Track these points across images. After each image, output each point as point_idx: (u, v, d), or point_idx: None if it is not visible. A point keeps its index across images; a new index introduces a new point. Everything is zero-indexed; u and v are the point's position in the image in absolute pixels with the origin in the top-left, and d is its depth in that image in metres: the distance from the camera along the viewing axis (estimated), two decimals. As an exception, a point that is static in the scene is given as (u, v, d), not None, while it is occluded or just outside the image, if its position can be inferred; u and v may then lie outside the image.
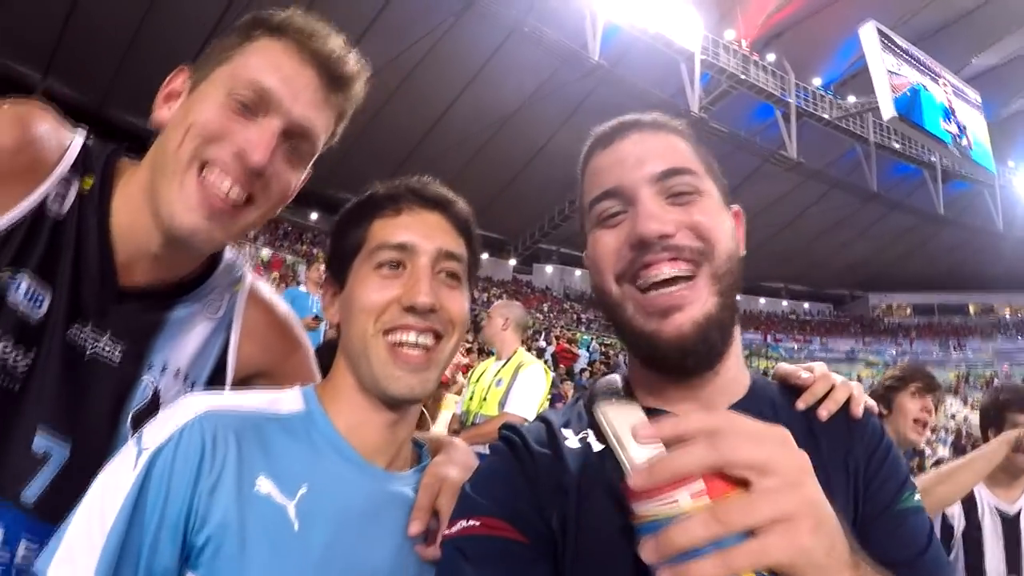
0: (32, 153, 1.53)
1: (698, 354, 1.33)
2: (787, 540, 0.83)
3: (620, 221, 1.40)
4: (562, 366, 22.68)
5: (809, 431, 1.40)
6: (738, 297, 1.42)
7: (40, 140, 1.54)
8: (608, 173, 1.43)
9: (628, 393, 1.48)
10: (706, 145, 1.51)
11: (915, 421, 4.51)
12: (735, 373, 1.44)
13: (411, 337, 1.49)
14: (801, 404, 1.44)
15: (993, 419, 4.32)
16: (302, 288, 10.84)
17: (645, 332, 1.36)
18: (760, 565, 0.83)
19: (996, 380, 50.56)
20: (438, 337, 1.53)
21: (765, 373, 1.66)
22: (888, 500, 1.33)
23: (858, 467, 1.35)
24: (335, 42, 1.67)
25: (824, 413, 1.42)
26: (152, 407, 1.64)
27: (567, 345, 27.86)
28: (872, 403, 1.49)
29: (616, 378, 1.54)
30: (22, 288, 1.49)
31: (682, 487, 0.86)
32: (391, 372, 1.49)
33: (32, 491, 1.48)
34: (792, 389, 1.50)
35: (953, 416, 42.19)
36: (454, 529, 1.32)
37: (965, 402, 46.66)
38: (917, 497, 1.36)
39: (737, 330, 1.43)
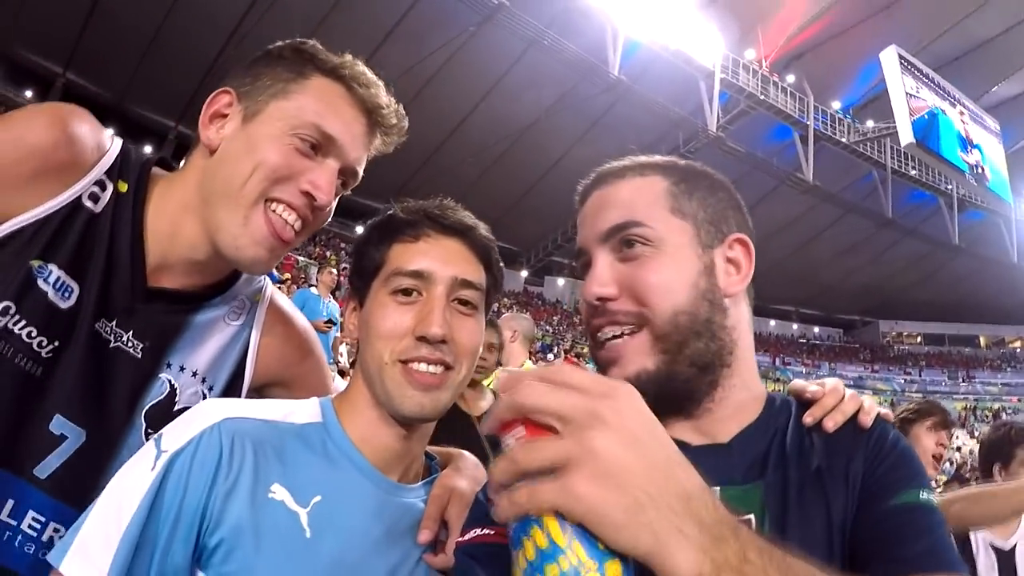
0: (69, 151, 1.60)
1: None
2: (558, 485, 0.82)
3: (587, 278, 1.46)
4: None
5: (812, 445, 1.39)
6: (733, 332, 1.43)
7: (78, 140, 1.61)
8: (579, 232, 1.51)
9: None
10: (696, 180, 1.49)
11: (931, 456, 4.53)
12: (741, 402, 1.44)
13: (422, 367, 1.52)
14: (808, 418, 1.42)
15: (1001, 454, 4.42)
16: (313, 291, 10.88)
17: None
18: (534, 506, 0.83)
19: (1004, 414, 50.44)
20: (447, 368, 1.55)
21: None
22: (884, 495, 1.30)
23: (857, 473, 1.33)
24: (384, 94, 1.80)
25: (831, 424, 1.40)
26: (168, 403, 1.74)
27: (575, 360, 27.70)
28: (887, 412, 1.49)
29: None
30: (52, 278, 1.57)
31: (510, 432, 0.90)
32: (404, 392, 1.52)
33: (45, 468, 1.57)
34: (805, 404, 1.48)
35: (959, 448, 41.83)
36: (467, 536, 1.35)
37: (972, 435, 46.31)
38: (925, 495, 1.30)
39: (731, 370, 1.43)
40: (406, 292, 1.54)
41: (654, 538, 0.81)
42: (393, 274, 1.55)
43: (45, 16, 33.62)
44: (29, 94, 35.94)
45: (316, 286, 11.43)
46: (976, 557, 4.17)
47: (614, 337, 1.40)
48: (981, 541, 4.21)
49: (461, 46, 38.14)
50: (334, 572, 1.42)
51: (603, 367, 1.42)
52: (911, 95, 40.01)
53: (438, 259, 1.56)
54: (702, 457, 1.22)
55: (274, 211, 1.67)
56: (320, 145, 1.69)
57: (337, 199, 1.79)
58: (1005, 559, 4.17)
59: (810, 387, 1.52)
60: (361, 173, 1.82)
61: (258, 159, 1.64)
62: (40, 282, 1.56)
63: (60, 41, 36.23)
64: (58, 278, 1.58)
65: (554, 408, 0.86)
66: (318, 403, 1.63)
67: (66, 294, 1.60)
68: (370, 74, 1.79)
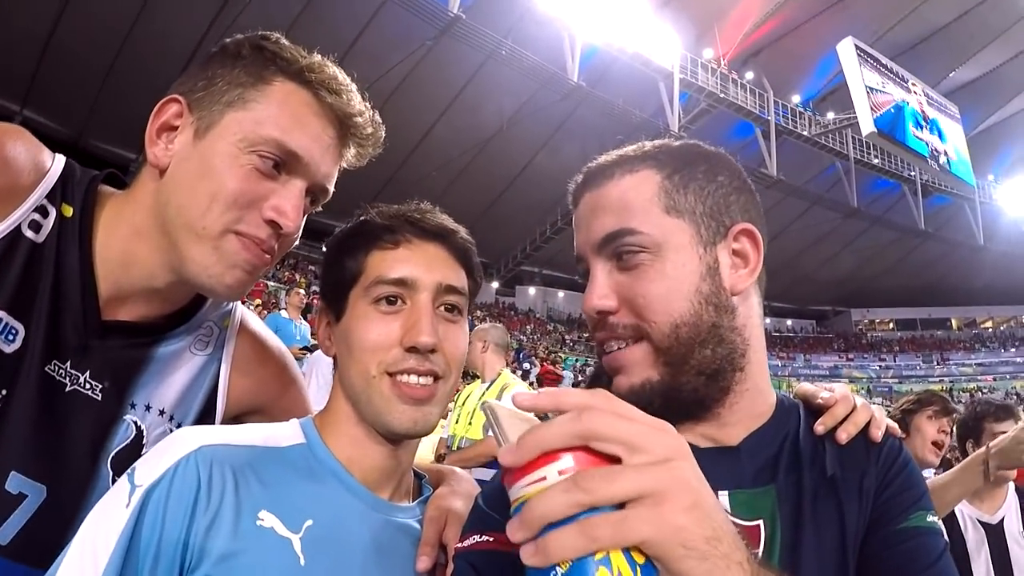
0: (3, 177, 1.42)
1: (648, 412, 1.23)
2: (654, 514, 0.77)
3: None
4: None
5: (824, 452, 1.34)
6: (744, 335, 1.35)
7: (12, 162, 1.44)
8: (575, 236, 1.42)
9: None
10: (692, 167, 1.38)
11: (932, 443, 4.69)
12: (752, 407, 1.37)
13: (412, 379, 1.43)
14: (820, 427, 1.37)
15: (971, 430, 4.56)
16: (284, 314, 10.72)
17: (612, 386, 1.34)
18: (623, 538, 0.76)
19: (980, 393, 50.91)
20: (436, 379, 1.46)
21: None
22: (894, 517, 1.27)
23: (870, 489, 1.30)
24: (358, 100, 1.59)
25: (843, 436, 1.36)
26: (135, 447, 1.57)
27: (551, 367, 27.63)
28: (894, 425, 1.45)
29: None
30: None
31: (550, 463, 0.80)
32: (395, 407, 1.43)
33: (6, 532, 1.39)
34: (813, 410, 1.43)
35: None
36: (467, 543, 1.29)
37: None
38: (932, 518, 1.29)
39: (744, 373, 1.35)
40: (390, 300, 1.45)
41: (725, 569, 0.79)
42: (374, 283, 1.45)
43: (-1, 54, 33.33)
44: (-14, 134, 35.58)
45: (285, 309, 11.23)
46: (964, 533, 4.16)
47: (618, 348, 1.33)
48: (968, 518, 4.21)
49: (419, 61, 38.23)
50: None
51: (611, 375, 1.36)
52: (872, 89, 40.44)
53: (421, 265, 1.47)
54: (709, 460, 1.21)
55: (244, 245, 1.50)
56: (283, 162, 1.49)
57: (306, 218, 1.61)
58: (993, 533, 4.17)
59: (821, 393, 1.46)
60: (332, 188, 1.63)
61: (214, 187, 1.45)
62: None
63: (15, 78, 35.96)
64: (2, 321, 1.41)
65: (631, 436, 0.82)
66: (298, 424, 1.52)
67: (10, 337, 1.42)
68: (342, 76, 1.58)
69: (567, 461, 0.80)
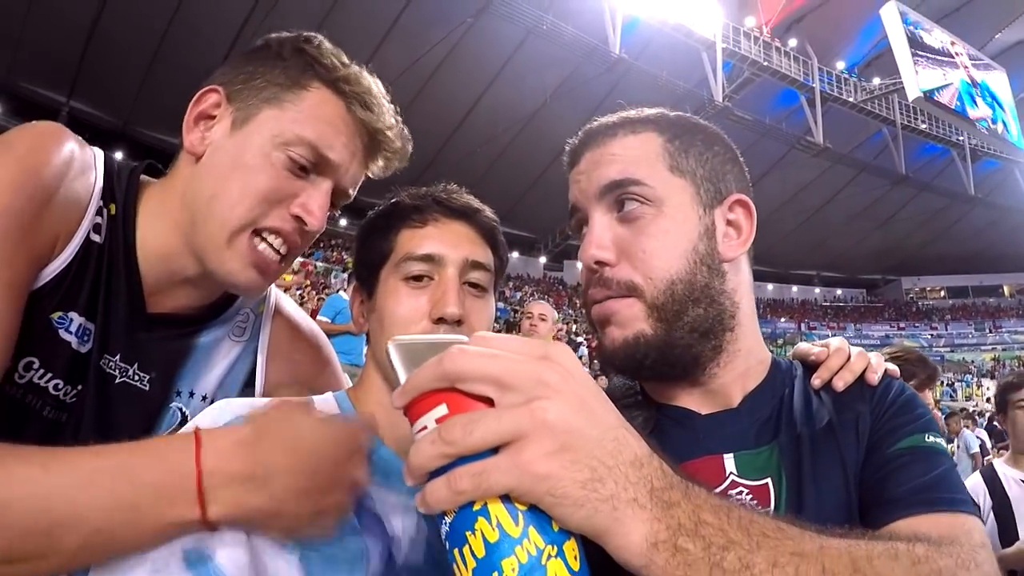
0: (86, 178, 1.49)
1: (641, 367, 1.33)
2: (512, 464, 0.74)
3: (583, 237, 1.39)
4: (596, 363, 22.52)
5: (821, 403, 1.35)
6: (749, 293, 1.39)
7: (77, 163, 1.47)
8: (572, 189, 1.43)
9: (643, 391, 1.47)
10: (692, 134, 1.41)
11: None
12: (747, 366, 1.39)
13: None
14: (817, 381, 1.39)
15: (1000, 404, 4.59)
16: (344, 295, 10.64)
17: (600, 340, 1.38)
18: (484, 491, 0.74)
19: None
20: None
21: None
22: (887, 441, 1.26)
23: (866, 426, 1.30)
24: (389, 114, 1.67)
25: (840, 384, 1.37)
26: None
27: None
28: (894, 368, 1.45)
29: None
30: (73, 327, 1.48)
31: (429, 411, 0.79)
32: None
33: None
34: (811, 367, 1.45)
35: (989, 400, 41.55)
36: None
37: (1002, 385, 45.78)
38: (932, 439, 1.26)
39: (735, 334, 1.37)
40: (417, 278, 1.49)
41: (611, 512, 0.76)
42: (403, 260, 1.50)
43: (44, 46, 33.92)
44: (36, 127, 35.90)
45: (345, 290, 11.19)
46: (1008, 492, 4.31)
47: (609, 299, 1.34)
48: (1012, 479, 4.36)
49: (460, 39, 38.17)
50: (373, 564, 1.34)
51: (600, 326, 1.37)
52: (915, 50, 39.70)
53: (448, 242, 1.52)
54: (713, 426, 1.34)
55: (263, 240, 1.56)
56: (314, 164, 1.56)
57: (351, 201, 1.71)
58: None
59: (814, 349, 1.48)
60: (354, 194, 1.70)
61: (245, 181, 1.52)
62: (63, 332, 1.47)
63: (61, 70, 36.44)
64: (79, 325, 1.49)
65: (495, 373, 0.78)
66: (332, 396, 1.57)
67: (85, 337, 1.51)
68: (376, 89, 1.65)
69: (442, 409, 0.78)
